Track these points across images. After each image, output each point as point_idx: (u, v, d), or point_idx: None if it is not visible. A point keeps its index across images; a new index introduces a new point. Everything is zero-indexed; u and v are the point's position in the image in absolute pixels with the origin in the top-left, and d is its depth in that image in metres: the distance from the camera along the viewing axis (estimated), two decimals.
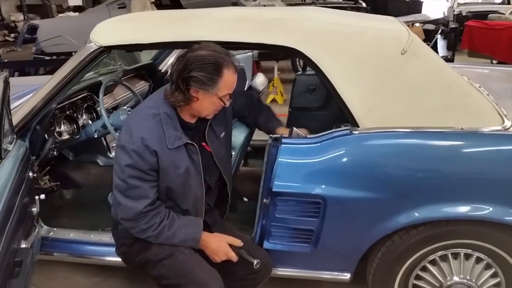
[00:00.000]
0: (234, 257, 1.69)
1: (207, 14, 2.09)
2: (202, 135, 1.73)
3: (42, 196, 2.00)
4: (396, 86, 1.76)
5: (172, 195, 1.68)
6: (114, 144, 3.10)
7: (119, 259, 1.95)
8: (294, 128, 1.82)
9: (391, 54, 1.78)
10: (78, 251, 2.17)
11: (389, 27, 1.99)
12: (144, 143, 1.56)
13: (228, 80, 1.56)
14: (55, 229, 2.20)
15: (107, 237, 2.13)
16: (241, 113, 2.02)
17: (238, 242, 1.71)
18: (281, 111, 2.12)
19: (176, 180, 1.64)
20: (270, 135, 1.84)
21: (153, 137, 1.57)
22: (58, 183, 2.61)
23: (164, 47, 3.01)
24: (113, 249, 1.96)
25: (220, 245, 1.70)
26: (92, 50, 1.94)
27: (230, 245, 1.70)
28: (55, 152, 2.38)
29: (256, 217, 1.88)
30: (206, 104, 1.59)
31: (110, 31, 2.03)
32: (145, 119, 1.60)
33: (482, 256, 1.79)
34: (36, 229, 1.96)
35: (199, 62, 1.52)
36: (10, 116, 1.86)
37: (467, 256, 1.80)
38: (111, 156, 3.00)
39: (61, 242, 2.17)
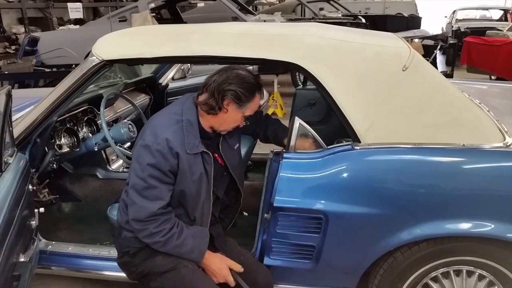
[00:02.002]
0: (232, 282, 1.71)
1: (210, 29, 2.10)
2: (216, 147, 1.79)
3: (42, 210, 1.99)
4: (397, 102, 1.77)
5: (184, 200, 1.71)
6: (114, 157, 3.10)
7: (117, 274, 1.93)
8: (296, 117, 1.81)
9: (393, 70, 1.79)
10: (76, 265, 2.16)
11: (390, 44, 2.00)
12: (168, 144, 1.62)
13: (255, 103, 1.71)
14: (53, 242, 2.19)
15: (106, 251, 2.12)
16: (252, 129, 2.07)
17: (238, 268, 1.72)
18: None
19: (191, 186, 1.68)
20: (271, 150, 1.85)
21: (176, 140, 1.64)
22: (57, 196, 2.59)
23: (167, 62, 3.02)
24: (112, 263, 1.94)
25: (221, 267, 1.71)
26: (94, 63, 1.94)
27: (230, 269, 1.71)
28: (54, 165, 2.38)
29: (257, 232, 1.87)
30: (230, 118, 1.69)
31: (112, 45, 2.04)
32: (170, 123, 1.68)
33: (484, 273, 1.77)
34: (35, 243, 1.94)
35: (241, 80, 1.65)
36: (11, 129, 1.86)
37: (470, 273, 1.79)
38: (110, 169, 3.00)
39: (59, 256, 2.15)
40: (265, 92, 2.88)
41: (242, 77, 1.65)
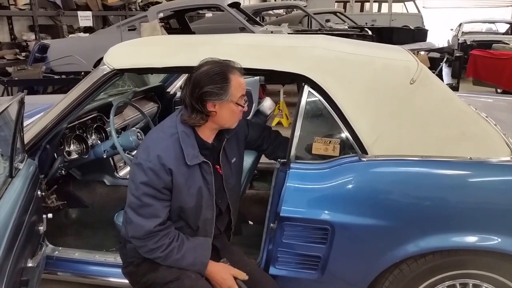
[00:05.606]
0: None
1: (219, 40, 2.13)
2: (216, 158, 1.76)
3: (50, 215, 2.01)
4: (405, 114, 1.78)
5: (183, 215, 1.70)
6: (122, 164, 3.12)
7: (123, 280, 1.93)
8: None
9: (400, 83, 1.80)
10: (82, 271, 2.17)
11: (398, 57, 2.02)
12: (160, 161, 1.59)
13: (236, 83, 1.63)
14: (60, 248, 2.20)
15: (112, 258, 2.13)
16: (258, 144, 2.02)
17: (243, 276, 1.71)
18: (287, 134, 2.16)
19: (189, 200, 1.66)
20: (278, 160, 1.86)
21: (169, 156, 1.61)
22: (65, 202, 2.61)
23: (176, 71, 3.06)
24: (118, 270, 1.95)
25: (225, 277, 1.70)
26: (105, 72, 1.98)
27: (235, 278, 1.71)
28: (63, 171, 2.40)
29: (262, 241, 1.88)
30: (226, 114, 1.64)
31: (123, 54, 2.07)
32: (163, 138, 1.65)
33: (490, 287, 1.77)
34: (42, 248, 1.96)
35: (206, 77, 1.59)
36: (22, 134, 1.89)
37: (476, 287, 1.78)
38: (118, 176, 3.02)
39: (66, 261, 2.16)
40: (271, 102, 2.90)
41: (206, 73, 1.59)
